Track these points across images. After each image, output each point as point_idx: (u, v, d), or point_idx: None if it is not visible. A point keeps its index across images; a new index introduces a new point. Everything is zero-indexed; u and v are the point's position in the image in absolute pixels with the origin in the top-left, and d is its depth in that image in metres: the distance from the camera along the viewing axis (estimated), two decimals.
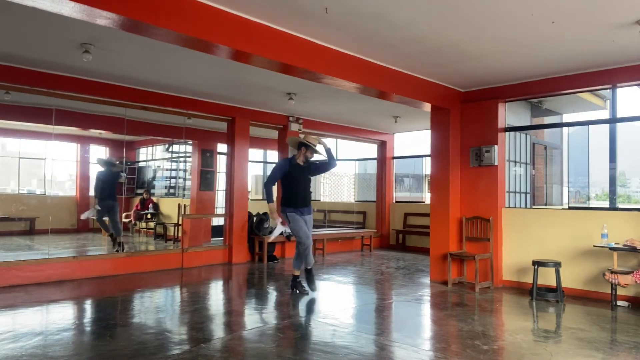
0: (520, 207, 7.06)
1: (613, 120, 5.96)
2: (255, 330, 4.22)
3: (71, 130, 10.95)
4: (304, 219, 5.62)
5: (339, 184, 13.97)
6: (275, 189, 6.68)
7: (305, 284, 5.83)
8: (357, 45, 5.03)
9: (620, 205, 6.24)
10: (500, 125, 6.58)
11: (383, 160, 11.52)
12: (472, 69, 5.84)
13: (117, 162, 8.84)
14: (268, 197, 5.58)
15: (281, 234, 6.42)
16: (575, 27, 4.41)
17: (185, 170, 11.91)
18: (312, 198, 6.12)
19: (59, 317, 4.64)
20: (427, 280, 6.82)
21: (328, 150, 5.82)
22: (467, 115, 6.82)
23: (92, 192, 8.88)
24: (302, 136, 5.81)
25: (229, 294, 6.19)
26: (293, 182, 5.62)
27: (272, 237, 6.07)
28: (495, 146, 6.46)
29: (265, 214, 8.84)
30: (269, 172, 6.02)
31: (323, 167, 5.94)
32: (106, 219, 8.43)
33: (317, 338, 4.01)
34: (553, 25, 4.37)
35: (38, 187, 12.12)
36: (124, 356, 3.47)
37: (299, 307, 5.31)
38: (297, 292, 5.74)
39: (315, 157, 5.91)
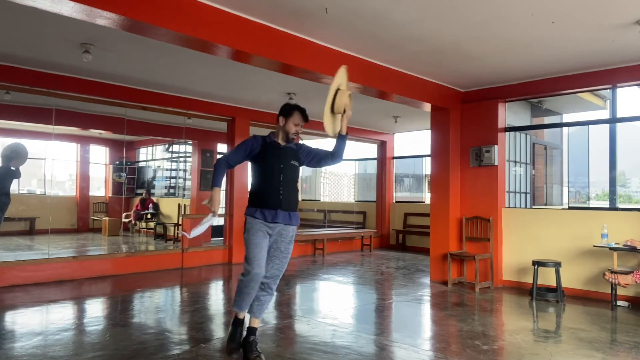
0: (520, 207, 7.06)
1: (613, 120, 5.96)
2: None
3: (71, 130, 10.97)
4: (271, 232, 3.42)
5: (339, 184, 13.97)
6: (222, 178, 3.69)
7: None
8: (357, 45, 5.03)
9: (620, 205, 6.25)
10: (500, 125, 6.58)
11: (383, 160, 11.52)
12: (472, 69, 5.84)
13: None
14: (214, 178, 3.50)
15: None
16: (575, 27, 4.41)
17: (185, 170, 11.92)
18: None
19: (59, 317, 4.63)
20: (427, 280, 6.82)
21: (341, 138, 3.56)
22: (467, 115, 6.82)
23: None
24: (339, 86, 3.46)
25: (229, 294, 6.19)
26: (265, 169, 3.47)
27: (192, 234, 3.62)
28: (495, 146, 6.46)
29: None
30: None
31: (324, 157, 3.64)
32: None
33: (317, 338, 4.01)
34: (553, 25, 4.37)
35: (38, 187, 12.13)
36: (124, 356, 3.47)
37: (299, 307, 5.30)
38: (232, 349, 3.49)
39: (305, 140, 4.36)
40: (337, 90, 3.42)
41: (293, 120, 3.48)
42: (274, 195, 3.42)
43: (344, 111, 3.45)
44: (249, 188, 3.64)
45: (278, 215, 3.42)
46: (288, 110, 3.51)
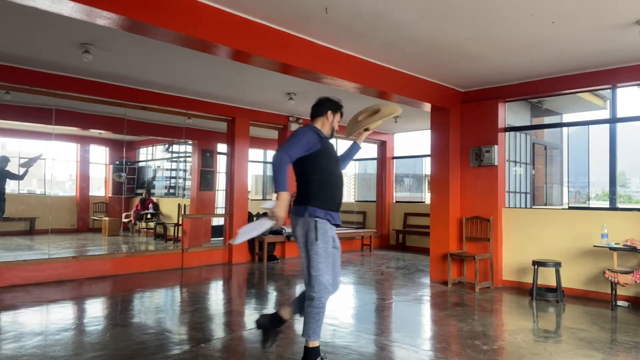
0: (520, 207, 7.06)
1: (613, 120, 5.96)
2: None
3: (71, 130, 10.97)
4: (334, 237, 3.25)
5: None
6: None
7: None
8: (357, 45, 5.03)
9: (620, 205, 6.25)
10: (500, 125, 6.58)
11: (383, 160, 11.53)
12: (472, 69, 5.84)
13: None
14: (279, 179, 3.00)
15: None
16: (575, 27, 4.41)
17: (185, 170, 11.92)
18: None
19: (59, 317, 4.64)
20: (427, 280, 6.82)
21: (357, 147, 3.80)
22: (467, 115, 6.82)
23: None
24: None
25: (229, 294, 6.19)
26: (329, 167, 3.23)
27: (241, 238, 3.25)
28: (495, 146, 6.46)
29: (265, 213, 8.79)
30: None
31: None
32: None
33: None
34: (553, 25, 4.37)
35: (38, 187, 12.13)
36: (124, 356, 3.47)
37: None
38: None
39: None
40: (378, 111, 3.61)
41: (337, 117, 3.45)
42: (338, 195, 3.24)
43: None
44: (305, 185, 3.19)
45: (339, 217, 3.24)
46: (337, 107, 3.43)
